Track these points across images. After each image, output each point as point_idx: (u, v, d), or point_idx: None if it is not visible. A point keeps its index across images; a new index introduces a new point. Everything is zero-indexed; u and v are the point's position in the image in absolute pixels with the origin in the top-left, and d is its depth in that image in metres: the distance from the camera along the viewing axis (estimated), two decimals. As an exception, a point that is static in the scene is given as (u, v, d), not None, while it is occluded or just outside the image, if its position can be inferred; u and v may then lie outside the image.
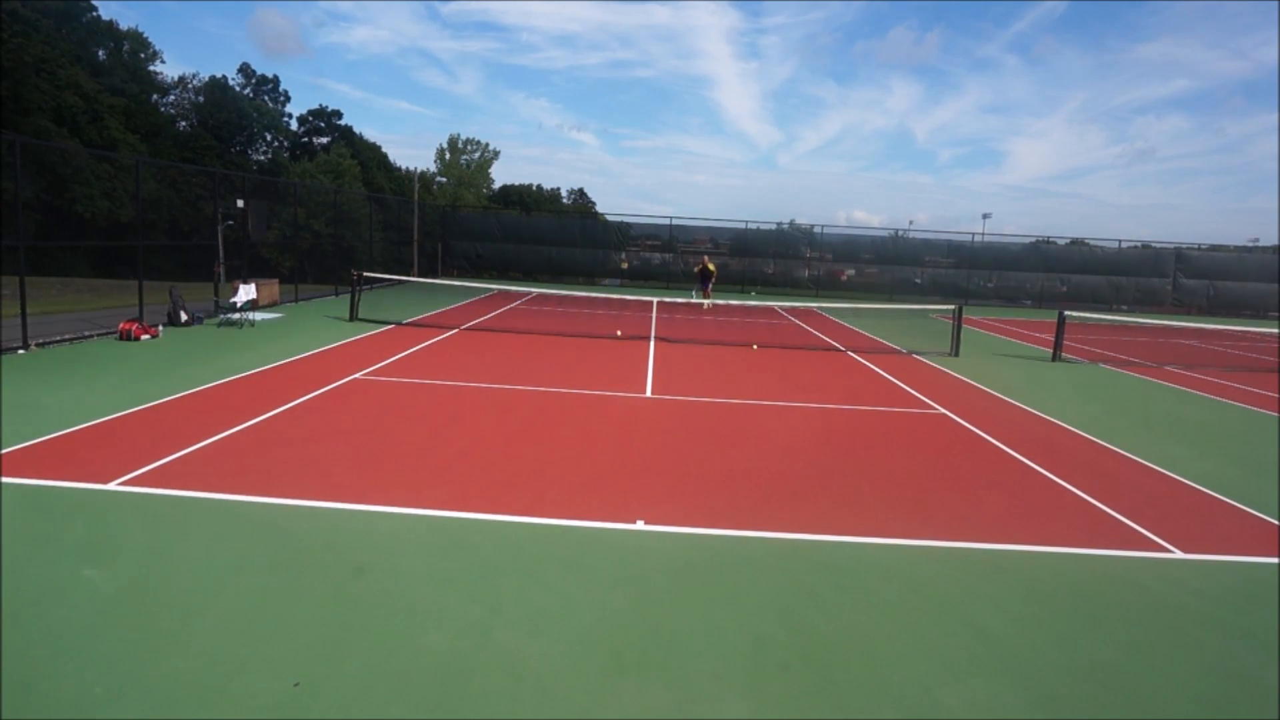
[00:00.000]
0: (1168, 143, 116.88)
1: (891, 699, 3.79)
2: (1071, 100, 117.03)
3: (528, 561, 5.16)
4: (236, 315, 16.00)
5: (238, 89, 59.15)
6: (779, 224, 40.36)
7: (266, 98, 61.59)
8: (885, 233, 40.84)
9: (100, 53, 50.56)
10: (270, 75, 62.16)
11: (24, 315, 11.77)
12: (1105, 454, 8.79)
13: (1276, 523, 6.66)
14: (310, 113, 64.14)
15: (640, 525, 5.87)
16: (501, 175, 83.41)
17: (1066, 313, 17.60)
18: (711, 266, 26.81)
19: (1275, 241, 60.16)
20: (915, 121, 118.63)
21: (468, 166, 67.03)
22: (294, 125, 63.73)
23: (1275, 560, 5.82)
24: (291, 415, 8.60)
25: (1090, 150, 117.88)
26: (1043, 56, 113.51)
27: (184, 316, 15.40)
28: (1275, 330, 18.72)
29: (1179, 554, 5.87)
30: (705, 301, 24.63)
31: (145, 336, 13.48)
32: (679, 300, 23.51)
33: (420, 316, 18.79)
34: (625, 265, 38.35)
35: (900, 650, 4.26)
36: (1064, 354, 16.91)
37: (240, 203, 19.02)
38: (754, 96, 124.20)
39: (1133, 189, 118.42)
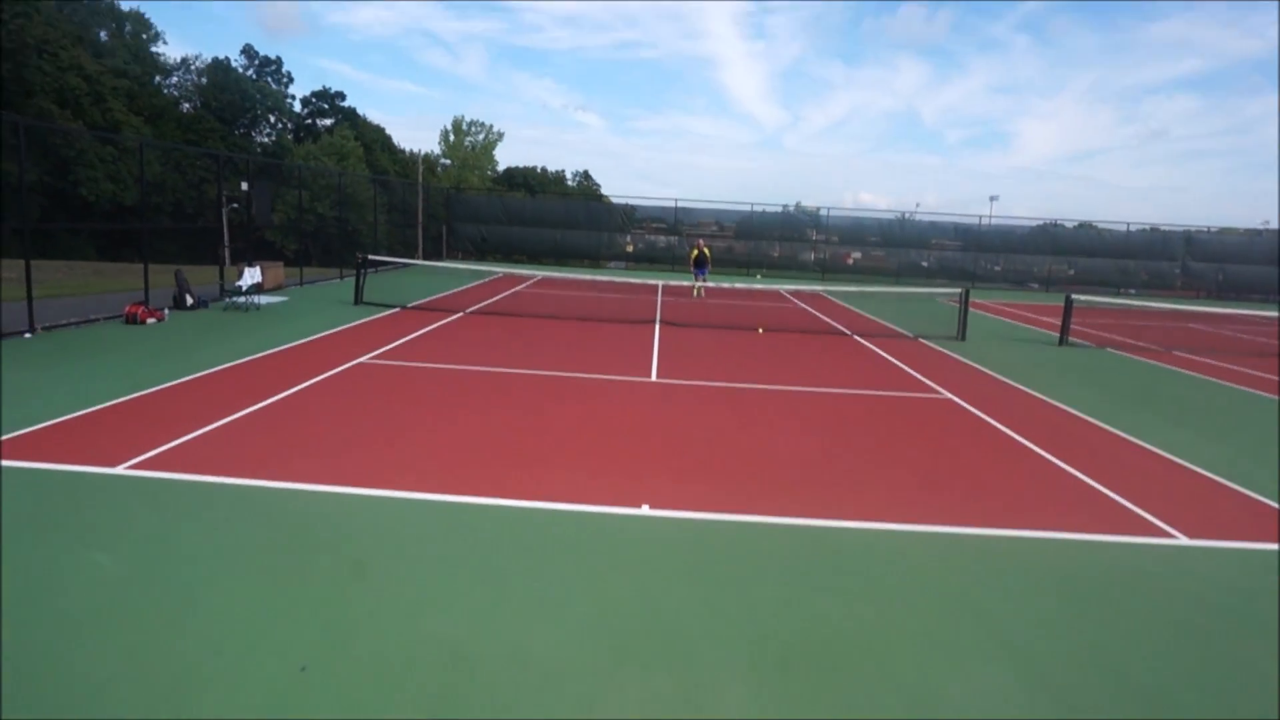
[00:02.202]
0: (1178, 123, 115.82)
1: (895, 685, 3.80)
2: (1081, 80, 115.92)
3: (532, 546, 5.17)
4: (242, 299, 16.01)
5: (241, 70, 58.88)
6: (785, 206, 40.21)
7: (270, 79, 61.34)
8: (892, 215, 40.68)
9: (102, 34, 50.33)
10: (273, 57, 61.89)
11: (29, 299, 11.79)
12: (1111, 439, 8.77)
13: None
14: (314, 94, 63.91)
15: (645, 510, 5.87)
16: (506, 157, 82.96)
17: (1074, 296, 17.51)
18: (707, 251, 24.21)
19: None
20: (923, 102, 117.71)
21: (472, 148, 66.77)
22: (297, 107, 63.50)
23: (1279, 546, 5.80)
24: (297, 399, 8.62)
25: (1100, 131, 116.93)
26: (1052, 36, 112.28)
27: (189, 300, 15.41)
28: (1278, 314, 18.59)
29: (1185, 540, 5.86)
30: (697, 287, 23.27)
31: (151, 320, 13.50)
32: (685, 283, 23.43)
33: (425, 300, 18.78)
34: (630, 248, 38.28)
35: (904, 636, 4.27)
36: (1071, 338, 16.84)
37: (244, 185, 18.99)
38: (760, 77, 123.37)
39: (1142, 170, 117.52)
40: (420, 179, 39.09)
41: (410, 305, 17.55)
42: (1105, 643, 4.30)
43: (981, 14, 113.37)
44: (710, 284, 23.37)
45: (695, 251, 24.18)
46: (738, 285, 26.05)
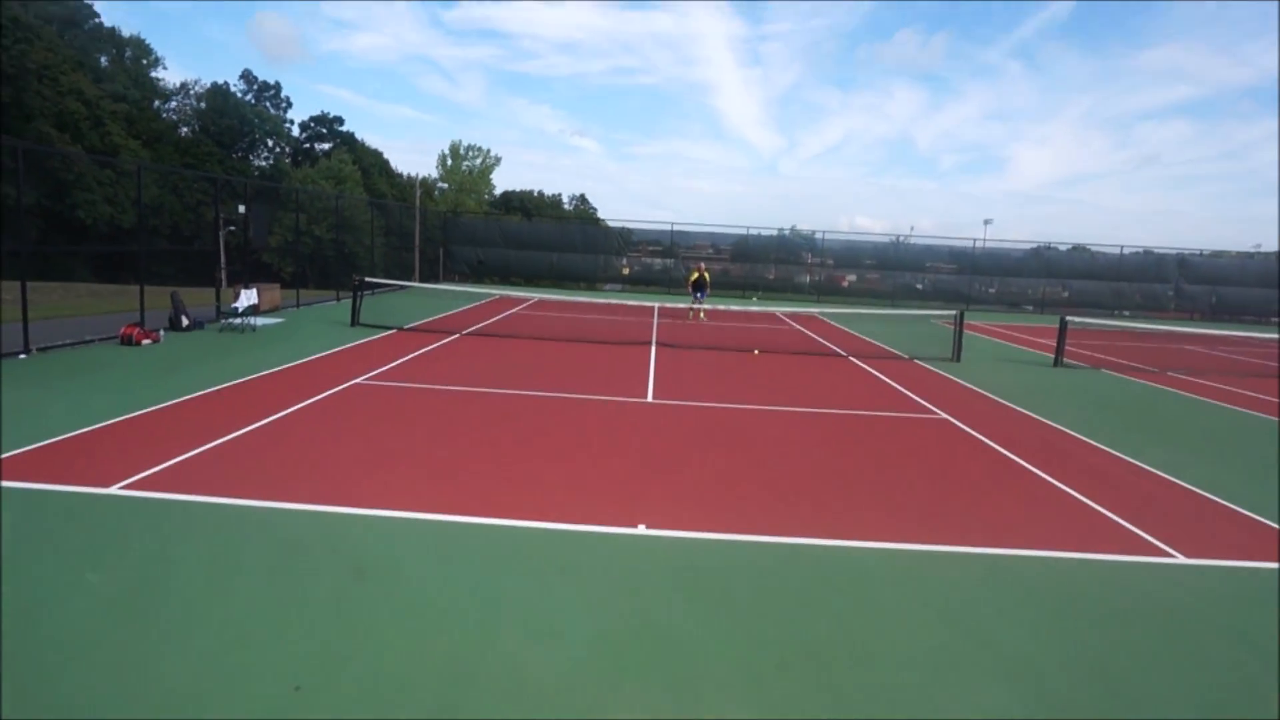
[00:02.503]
0: (1172, 149, 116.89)
1: (892, 705, 3.78)
2: (1074, 106, 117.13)
3: (529, 566, 5.14)
4: (238, 320, 16.01)
5: (240, 95, 59.32)
6: (780, 230, 40.42)
7: (268, 104, 61.80)
8: (887, 238, 40.92)
9: (103, 59, 50.74)
10: (272, 82, 62.41)
11: (25, 320, 11.77)
12: (1107, 458, 8.78)
13: (1278, 527, 6.64)
14: (312, 119, 64.43)
15: (642, 529, 5.86)
16: (503, 181, 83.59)
17: (1068, 318, 17.59)
18: (706, 275, 24.24)
19: (1276, 248, 60.11)
20: (918, 128, 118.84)
21: (470, 172, 67.17)
22: (296, 132, 63.92)
23: (1277, 565, 5.79)
24: (293, 420, 8.60)
25: (1093, 156, 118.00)
26: (1045, 63, 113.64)
27: (185, 321, 15.40)
28: (1276, 336, 18.70)
29: (1181, 558, 5.85)
30: (694, 309, 23.15)
31: (146, 341, 13.48)
32: (680, 305, 23.47)
33: (422, 321, 18.80)
34: (626, 271, 38.42)
35: (901, 655, 4.25)
36: (1065, 359, 16.90)
37: (242, 208, 19.06)
38: (756, 103, 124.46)
39: (1136, 195, 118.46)
40: (418, 202, 39.27)
41: (407, 327, 17.56)
42: (1102, 660, 4.28)
43: (975, 41, 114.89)
44: (706, 306, 23.45)
45: (694, 274, 24.17)
46: (733, 308, 26.12)
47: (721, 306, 25.01)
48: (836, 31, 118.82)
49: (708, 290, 24.05)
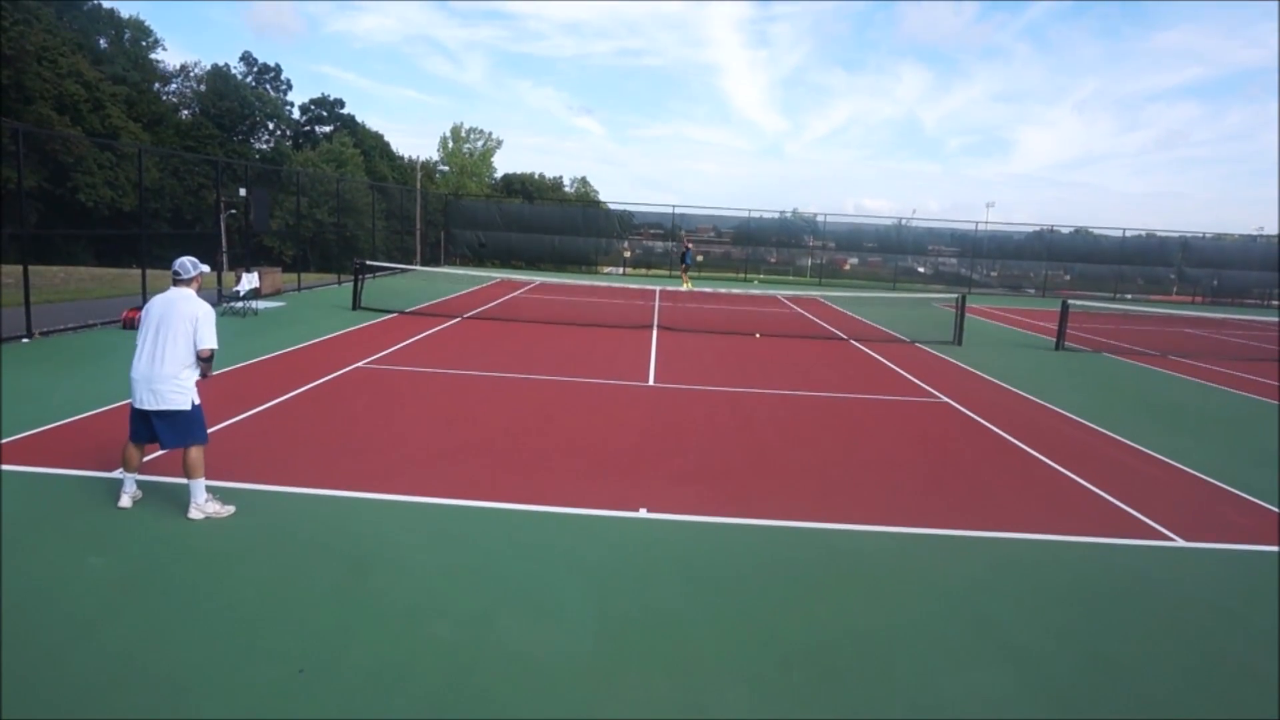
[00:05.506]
0: (1180, 130, 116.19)
1: (893, 687, 3.81)
2: (1082, 88, 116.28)
3: (530, 550, 5.17)
4: (239, 304, 16.01)
5: (240, 78, 58.97)
6: (782, 213, 40.29)
7: (269, 86, 61.44)
8: (889, 221, 40.76)
9: (102, 41, 50.43)
10: (272, 64, 62.01)
11: (28, 304, 11.79)
12: (1108, 442, 8.79)
13: (1278, 511, 6.66)
14: (312, 101, 64.11)
15: (643, 513, 5.88)
16: (506, 164, 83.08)
17: (1070, 301, 17.55)
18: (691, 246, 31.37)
19: (1278, 230, 59.70)
20: (924, 110, 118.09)
21: (471, 155, 66.91)
22: (296, 114, 63.58)
23: (1276, 549, 5.81)
24: (294, 404, 8.62)
25: (1099, 138, 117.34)
26: (1055, 44, 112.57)
27: (187, 305, 15.38)
28: (1276, 319, 18.64)
29: (1181, 543, 5.87)
30: (686, 285, 27.74)
31: (149, 325, 13.47)
32: (682, 289, 23.41)
33: (423, 305, 18.78)
34: (628, 254, 38.32)
35: (902, 638, 4.27)
36: (1067, 343, 16.87)
37: (243, 191, 19.01)
38: (762, 85, 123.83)
39: (1141, 177, 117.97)
40: (419, 185, 39.14)
41: (408, 310, 17.55)
42: (1104, 644, 4.31)
43: (984, 21, 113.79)
44: (707, 290, 23.49)
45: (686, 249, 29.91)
46: (735, 291, 26.06)
47: (723, 289, 24.97)
48: (844, 12, 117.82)
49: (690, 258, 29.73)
